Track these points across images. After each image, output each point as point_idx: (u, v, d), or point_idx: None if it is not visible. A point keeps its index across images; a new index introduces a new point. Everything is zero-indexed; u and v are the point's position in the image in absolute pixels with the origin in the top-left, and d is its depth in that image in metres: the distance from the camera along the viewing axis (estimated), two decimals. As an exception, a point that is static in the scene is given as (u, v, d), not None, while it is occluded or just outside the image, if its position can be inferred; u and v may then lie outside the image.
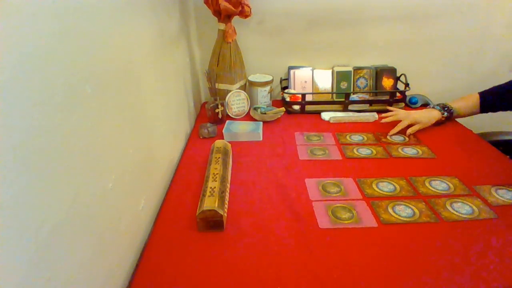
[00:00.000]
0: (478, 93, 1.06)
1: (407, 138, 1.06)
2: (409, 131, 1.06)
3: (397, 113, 1.11)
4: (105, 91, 0.54)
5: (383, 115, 1.13)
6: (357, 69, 1.29)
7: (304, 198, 0.79)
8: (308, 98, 1.25)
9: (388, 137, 1.07)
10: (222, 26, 1.12)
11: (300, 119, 1.22)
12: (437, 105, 1.12)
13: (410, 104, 1.31)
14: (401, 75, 1.28)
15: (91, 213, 0.49)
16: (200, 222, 0.68)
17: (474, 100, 1.05)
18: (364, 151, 0.99)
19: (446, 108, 1.10)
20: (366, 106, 1.26)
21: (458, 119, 1.17)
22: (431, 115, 1.09)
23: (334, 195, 0.80)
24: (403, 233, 0.68)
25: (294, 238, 0.68)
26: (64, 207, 0.42)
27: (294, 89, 1.29)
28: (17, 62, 0.35)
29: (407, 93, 1.25)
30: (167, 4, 0.94)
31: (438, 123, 1.11)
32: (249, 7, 1.09)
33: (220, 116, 1.16)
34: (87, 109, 0.48)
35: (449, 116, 1.10)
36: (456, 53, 1.35)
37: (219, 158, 0.85)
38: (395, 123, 1.08)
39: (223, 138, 1.06)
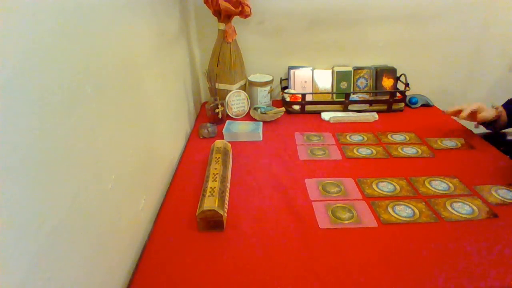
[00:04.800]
0: (502, 105, 1.00)
1: (407, 138, 1.06)
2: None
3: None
4: (105, 91, 0.54)
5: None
6: (357, 69, 1.29)
7: (304, 198, 0.79)
8: (308, 98, 1.25)
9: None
10: (222, 26, 1.12)
11: (300, 119, 1.22)
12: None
13: (410, 104, 1.31)
14: (401, 75, 1.28)
15: (91, 213, 0.49)
16: (200, 222, 0.68)
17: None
18: (364, 151, 0.99)
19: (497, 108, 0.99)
20: (366, 106, 1.26)
21: (457, 118, 1.17)
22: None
23: (334, 195, 0.80)
24: (403, 233, 0.68)
25: (294, 238, 0.68)
26: (64, 207, 0.42)
27: (294, 89, 1.29)
28: (17, 62, 0.35)
29: (407, 93, 1.25)
30: (167, 4, 0.94)
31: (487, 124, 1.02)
32: (249, 7, 1.09)
33: (220, 116, 1.15)
34: (87, 109, 0.48)
35: (498, 116, 0.98)
36: (456, 53, 1.35)
37: (219, 158, 0.85)
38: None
39: (223, 138, 1.06)
